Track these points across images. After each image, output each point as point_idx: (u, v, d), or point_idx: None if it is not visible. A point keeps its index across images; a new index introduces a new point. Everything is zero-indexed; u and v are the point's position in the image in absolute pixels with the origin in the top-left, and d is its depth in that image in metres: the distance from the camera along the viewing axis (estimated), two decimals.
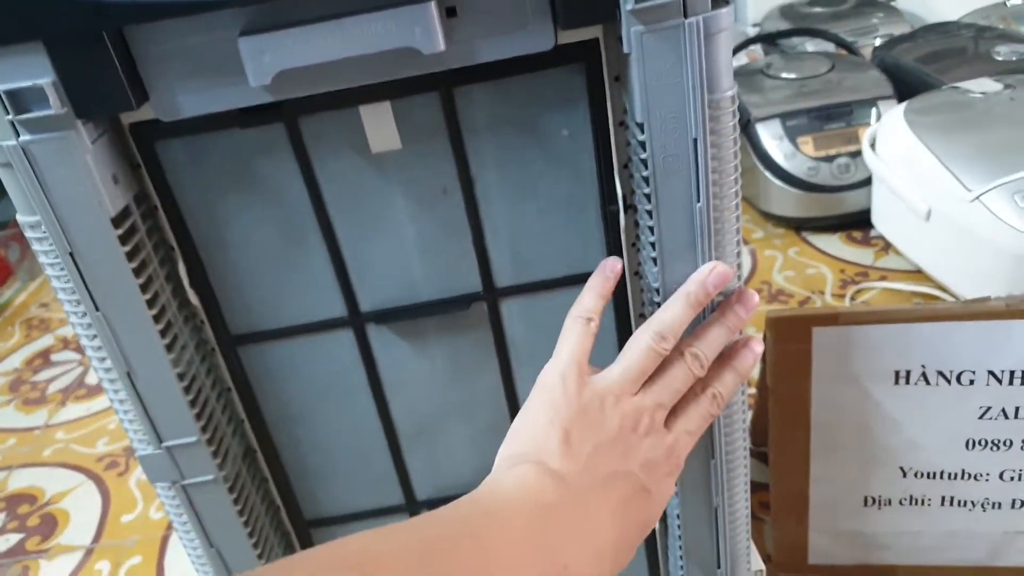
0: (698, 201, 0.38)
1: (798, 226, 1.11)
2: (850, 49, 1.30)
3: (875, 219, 1.04)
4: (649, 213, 0.39)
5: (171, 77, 0.37)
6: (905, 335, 0.53)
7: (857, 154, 1.05)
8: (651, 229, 0.40)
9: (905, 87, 1.10)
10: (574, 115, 0.41)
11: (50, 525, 0.86)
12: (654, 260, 0.40)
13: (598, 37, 0.39)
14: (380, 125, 0.42)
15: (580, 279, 0.46)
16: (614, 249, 0.45)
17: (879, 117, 1.05)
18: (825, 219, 1.09)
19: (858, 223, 1.08)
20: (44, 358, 1.19)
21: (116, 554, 0.80)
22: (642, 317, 0.48)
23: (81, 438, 0.99)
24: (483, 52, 0.37)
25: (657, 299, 0.41)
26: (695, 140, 0.37)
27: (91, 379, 1.12)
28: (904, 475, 0.58)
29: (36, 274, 1.43)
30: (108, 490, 0.89)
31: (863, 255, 1.05)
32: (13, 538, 0.85)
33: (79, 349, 1.19)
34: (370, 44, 0.35)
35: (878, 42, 1.35)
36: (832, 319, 0.53)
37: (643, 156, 0.38)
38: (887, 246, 1.04)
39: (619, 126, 0.42)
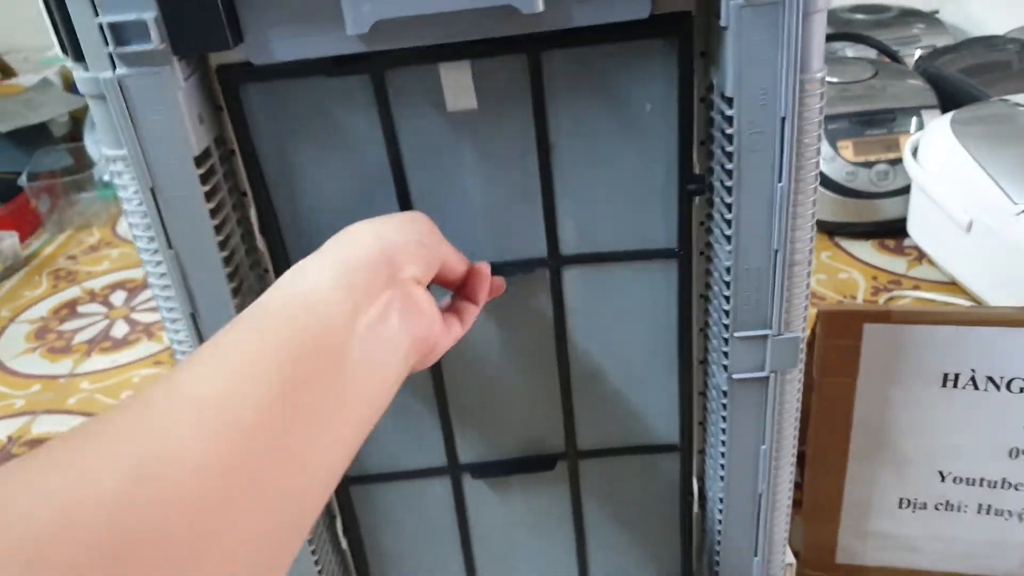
0: (779, 181, 0.38)
1: (832, 230, 1.11)
2: (893, 57, 1.30)
3: (911, 228, 1.04)
4: (728, 190, 0.39)
5: (268, 20, 0.37)
6: (958, 338, 0.53)
7: (897, 162, 1.05)
8: (728, 206, 0.40)
9: (948, 98, 1.10)
10: (659, 89, 0.41)
11: None
12: (727, 239, 0.40)
13: (691, 10, 0.39)
14: (458, 84, 0.42)
15: (646, 255, 0.46)
16: (685, 228, 0.45)
17: (922, 126, 1.05)
18: (859, 225, 1.09)
19: (892, 231, 1.08)
20: (70, 309, 1.20)
21: None
22: (703, 299, 0.48)
23: (105, 389, 1.00)
24: (579, 16, 0.37)
25: (727, 278, 0.41)
26: (783, 119, 0.37)
27: (116, 332, 1.12)
28: (943, 479, 0.58)
29: (64, 226, 1.44)
30: None
31: (896, 263, 1.05)
32: None
33: (105, 302, 1.20)
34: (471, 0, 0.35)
35: (919, 52, 1.35)
36: (884, 316, 0.53)
37: (728, 131, 0.38)
38: (921, 256, 1.04)
39: (700, 102, 0.42)
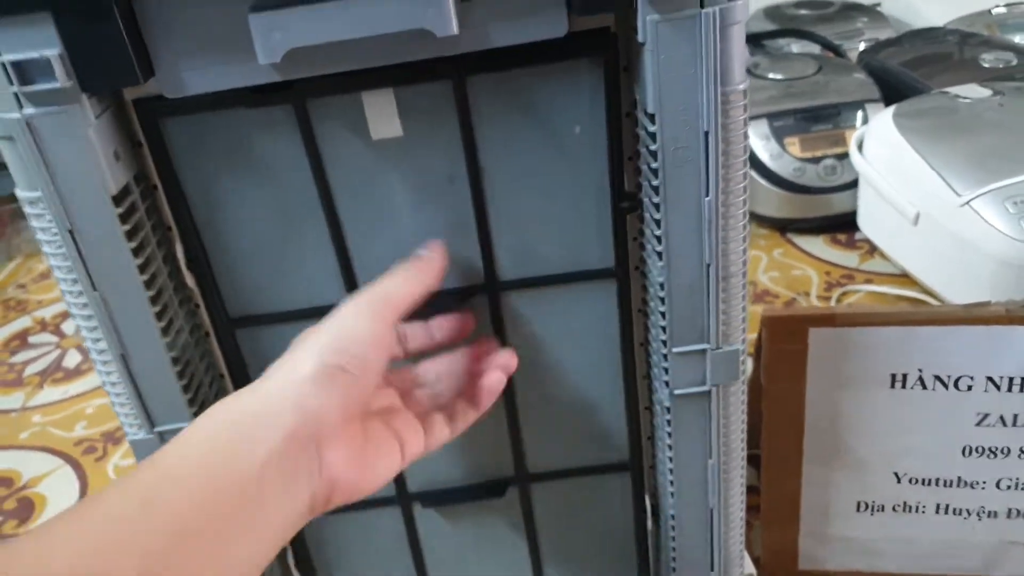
0: (707, 195, 0.38)
1: (782, 227, 1.12)
2: (837, 52, 1.31)
3: (861, 222, 1.04)
4: (656, 206, 0.39)
5: (179, 52, 0.36)
6: (903, 338, 0.53)
7: (844, 156, 1.05)
8: (657, 223, 0.39)
9: (891, 91, 1.11)
10: (587, 107, 0.41)
11: (27, 509, 0.84)
12: (659, 255, 0.40)
13: (609, 26, 0.39)
14: (382, 112, 0.41)
15: (584, 276, 0.45)
16: (621, 246, 0.44)
17: (866, 120, 1.06)
18: (810, 220, 1.10)
19: (843, 225, 1.09)
20: (21, 340, 1.17)
21: None
22: (641, 313, 0.48)
23: (58, 422, 0.98)
24: (495, 37, 0.36)
25: (661, 294, 0.41)
26: (706, 133, 0.37)
27: (69, 362, 1.10)
28: (898, 481, 0.58)
29: (13, 254, 1.41)
30: (86, 475, 0.88)
31: (848, 258, 1.06)
32: None
33: (57, 331, 1.18)
34: (383, 24, 0.34)
35: (863, 46, 1.36)
36: (829, 320, 0.53)
37: (652, 148, 0.37)
38: (872, 249, 1.05)
39: (626, 117, 0.42)
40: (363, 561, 0.55)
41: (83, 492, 0.86)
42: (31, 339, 1.17)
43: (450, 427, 0.42)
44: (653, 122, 0.37)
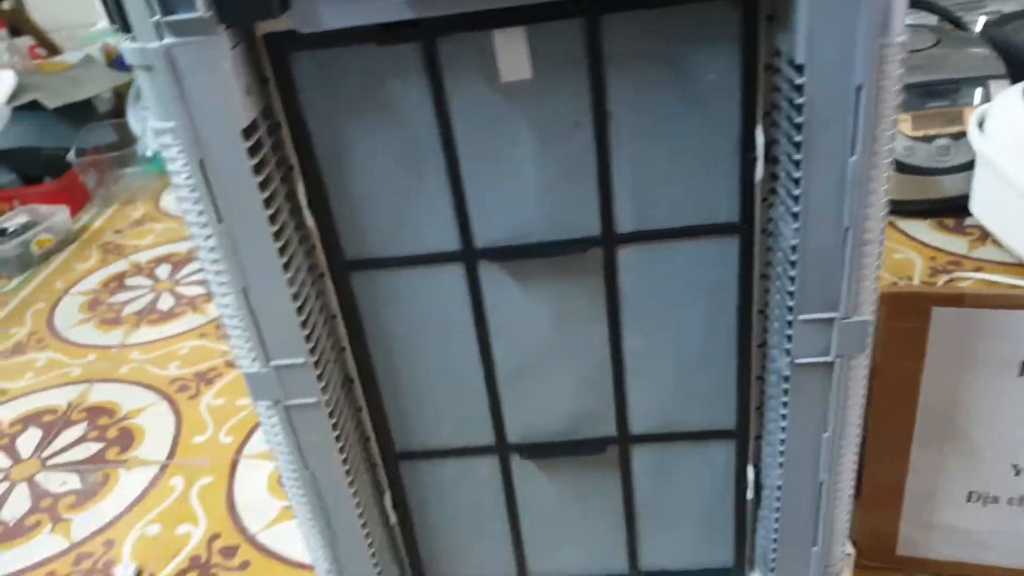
0: (852, 155, 0.36)
1: None
2: (957, 24, 1.25)
3: (974, 206, 1.00)
4: (796, 164, 0.37)
5: None
6: None
7: (959, 136, 1.00)
8: (795, 182, 0.38)
9: (1017, 67, 1.05)
10: (722, 55, 0.39)
11: (128, 438, 0.88)
12: (794, 216, 0.38)
13: None
14: (513, 52, 0.40)
15: (705, 231, 0.44)
16: (747, 202, 0.43)
17: (988, 97, 1.01)
18: (916, 203, 1.05)
19: (951, 210, 1.04)
20: (119, 281, 1.21)
21: (189, 472, 0.82)
22: (763, 278, 0.46)
23: (154, 360, 1.01)
24: None
25: (792, 257, 0.39)
26: (859, 87, 0.35)
27: (162, 305, 1.13)
28: (1017, 473, 0.55)
29: (111, 201, 1.45)
30: (180, 411, 0.91)
31: (956, 244, 1.01)
32: (94, 447, 0.88)
33: (151, 275, 1.21)
34: None
35: (984, 18, 1.29)
36: (956, 300, 0.51)
37: (798, 101, 0.36)
38: (984, 236, 1.00)
39: (766, 70, 0.40)
40: (458, 506, 0.55)
41: (178, 427, 0.88)
42: (127, 281, 1.21)
43: None
44: (801, 73, 0.35)
